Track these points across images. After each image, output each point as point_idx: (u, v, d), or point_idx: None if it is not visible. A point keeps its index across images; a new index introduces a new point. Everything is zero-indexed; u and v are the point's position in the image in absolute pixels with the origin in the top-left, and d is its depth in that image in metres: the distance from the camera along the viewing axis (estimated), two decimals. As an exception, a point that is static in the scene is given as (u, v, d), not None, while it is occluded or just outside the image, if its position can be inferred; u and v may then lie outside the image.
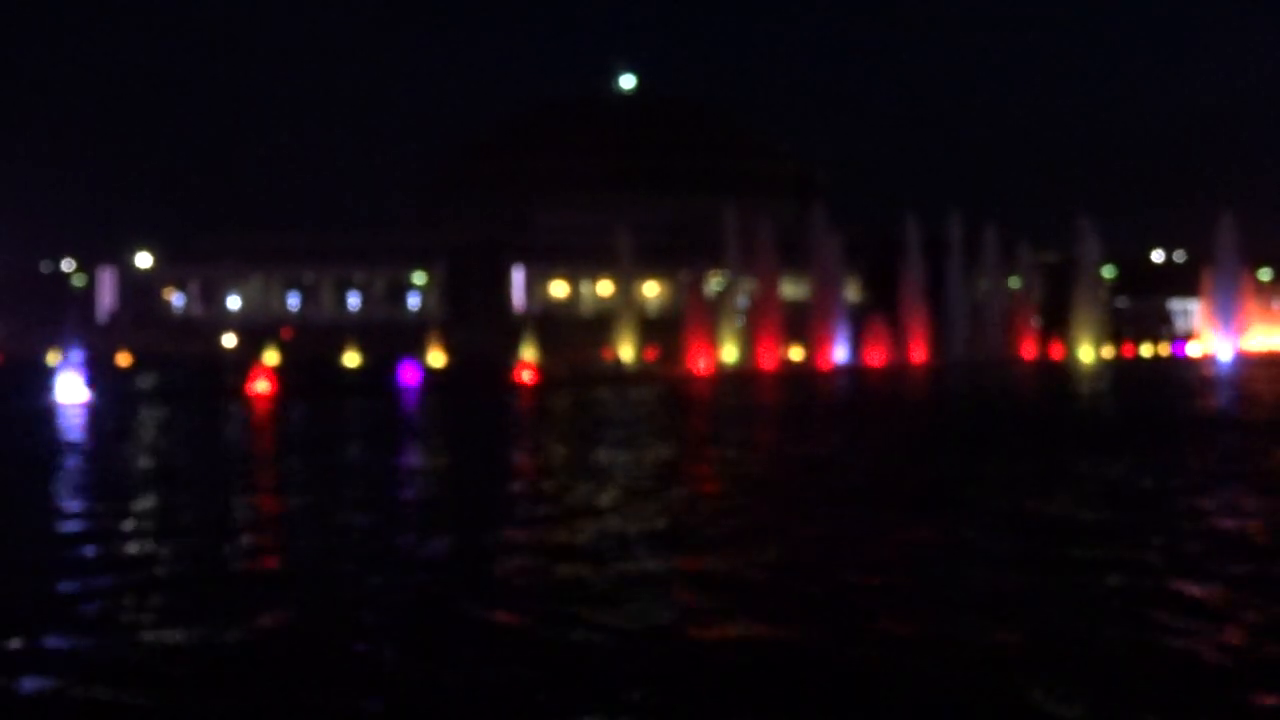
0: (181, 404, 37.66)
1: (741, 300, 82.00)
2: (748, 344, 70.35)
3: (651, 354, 76.99)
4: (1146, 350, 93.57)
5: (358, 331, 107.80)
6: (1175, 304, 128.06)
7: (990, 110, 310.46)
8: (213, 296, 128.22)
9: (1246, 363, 68.36)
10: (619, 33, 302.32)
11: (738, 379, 51.29)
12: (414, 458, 21.42)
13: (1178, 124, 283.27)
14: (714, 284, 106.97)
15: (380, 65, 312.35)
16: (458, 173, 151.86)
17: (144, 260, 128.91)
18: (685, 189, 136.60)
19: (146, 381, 53.71)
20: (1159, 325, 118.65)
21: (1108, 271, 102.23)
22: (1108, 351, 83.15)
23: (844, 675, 7.75)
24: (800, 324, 75.78)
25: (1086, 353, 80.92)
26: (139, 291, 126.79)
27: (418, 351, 68.68)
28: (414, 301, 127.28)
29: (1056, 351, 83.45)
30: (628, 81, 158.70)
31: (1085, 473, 18.15)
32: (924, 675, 7.76)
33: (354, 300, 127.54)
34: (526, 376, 48.43)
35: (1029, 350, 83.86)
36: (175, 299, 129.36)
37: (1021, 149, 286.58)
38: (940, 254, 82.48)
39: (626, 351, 79.29)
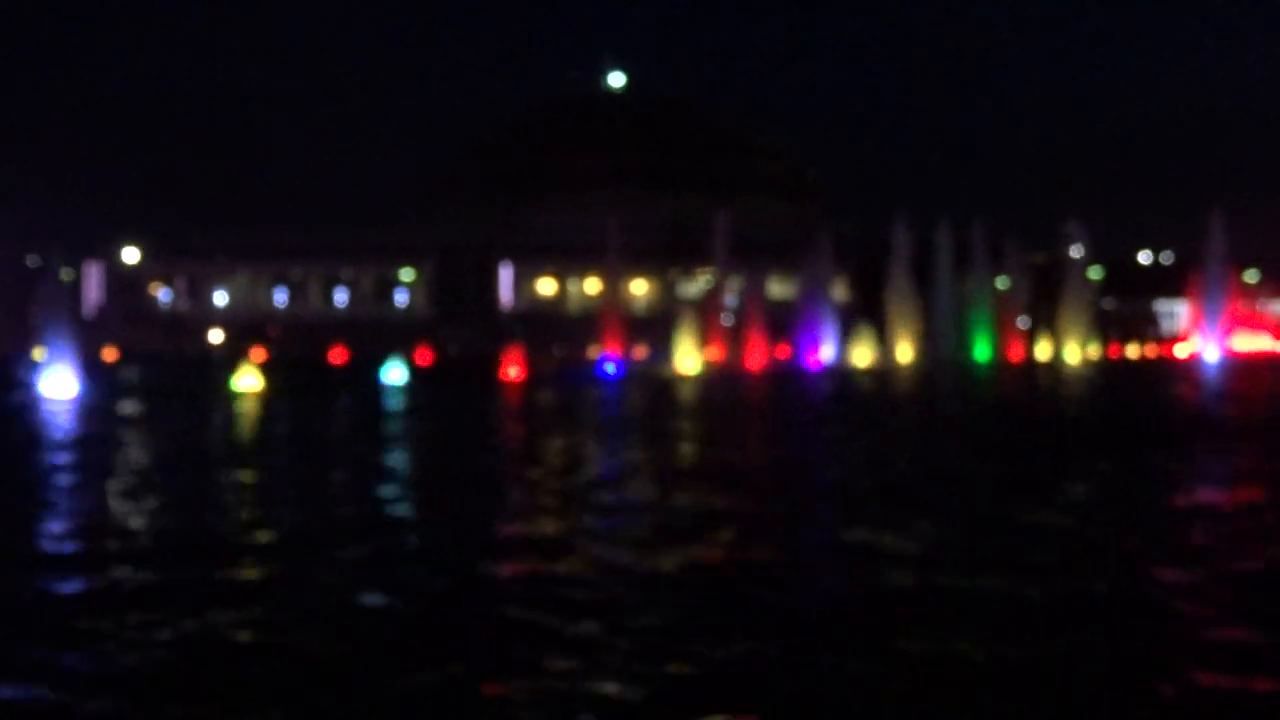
0: (167, 401, 37.57)
1: (730, 299, 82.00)
2: (736, 344, 70.38)
3: (639, 353, 76.93)
4: (1133, 351, 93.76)
5: (345, 328, 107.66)
6: (1162, 305, 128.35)
7: (979, 112, 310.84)
8: (200, 292, 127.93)
9: (1233, 364, 68.56)
10: (611, 32, 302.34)
11: (724, 379, 51.28)
12: (393, 459, 21.36)
13: (1165, 126, 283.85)
14: (702, 283, 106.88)
15: (372, 63, 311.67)
16: (449, 171, 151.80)
17: (131, 255, 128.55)
18: (676, 189, 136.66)
19: (133, 377, 53.58)
20: (1146, 327, 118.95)
21: (1095, 273, 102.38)
22: (1094, 352, 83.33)
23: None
24: (789, 324, 75.82)
25: (1073, 354, 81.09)
26: (125, 287, 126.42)
27: (405, 349, 68.49)
28: (401, 299, 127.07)
29: (1043, 352, 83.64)
30: (618, 80, 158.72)
31: (1055, 477, 18.18)
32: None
33: (341, 297, 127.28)
34: (513, 374, 48.42)
35: (1016, 351, 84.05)
36: (162, 294, 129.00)
37: (1010, 151, 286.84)
38: (928, 255, 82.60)
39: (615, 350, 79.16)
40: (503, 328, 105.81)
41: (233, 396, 36.92)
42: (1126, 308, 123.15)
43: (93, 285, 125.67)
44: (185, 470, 19.03)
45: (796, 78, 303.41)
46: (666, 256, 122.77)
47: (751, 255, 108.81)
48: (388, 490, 16.76)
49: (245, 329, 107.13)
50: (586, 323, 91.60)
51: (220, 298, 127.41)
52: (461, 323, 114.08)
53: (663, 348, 65.74)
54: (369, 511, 14.80)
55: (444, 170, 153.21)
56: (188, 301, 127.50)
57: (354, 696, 7.43)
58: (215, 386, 41.54)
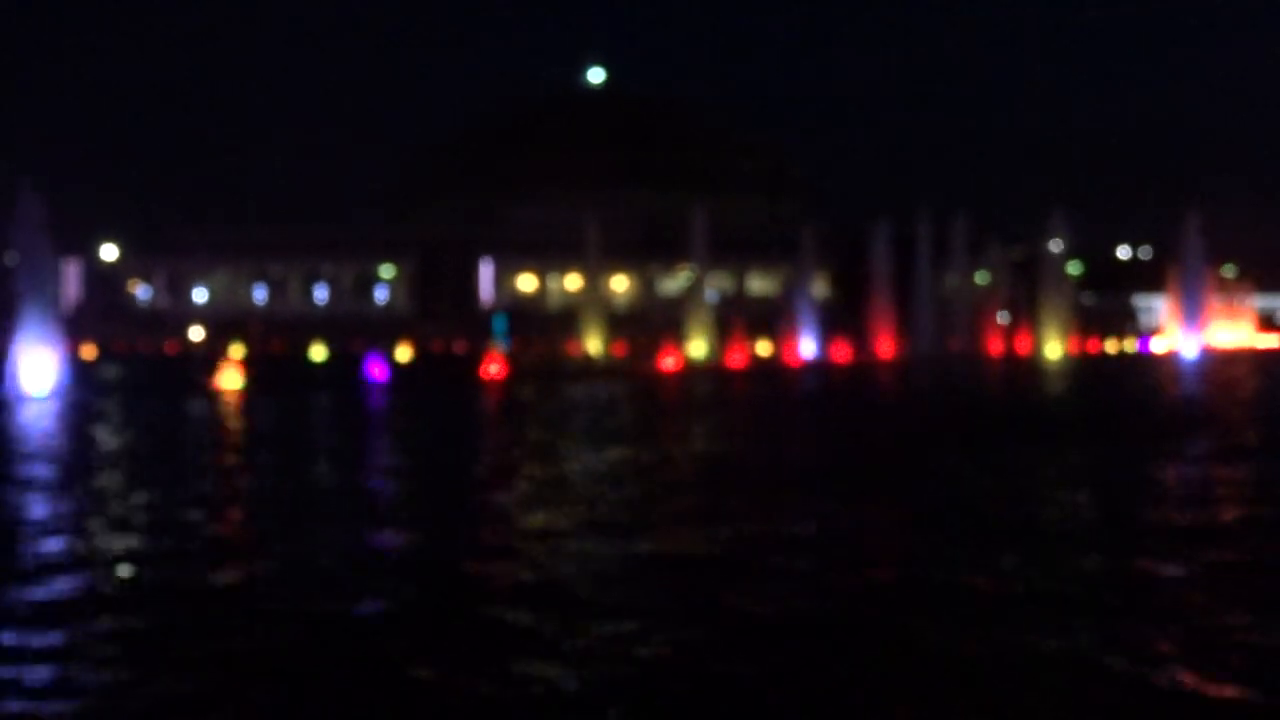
0: (146, 398, 37.41)
1: (711, 295, 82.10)
2: (716, 339, 70.47)
3: (619, 349, 76.94)
4: (1112, 346, 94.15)
5: (325, 325, 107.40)
6: (1141, 300, 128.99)
7: (960, 108, 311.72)
8: (179, 289, 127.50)
9: (1211, 359, 68.91)
10: (591, 29, 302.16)
11: (704, 374, 51.31)
12: (377, 459, 21.34)
13: (1144, 122, 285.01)
14: (682, 279, 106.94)
15: (354, 61, 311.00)
16: (430, 168, 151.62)
17: (109, 252, 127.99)
18: (657, 185, 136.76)
19: (111, 374, 53.35)
20: (1125, 321, 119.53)
21: (1074, 268, 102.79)
22: (1074, 347, 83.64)
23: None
24: (769, 319, 75.98)
25: (1053, 348, 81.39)
26: (104, 283, 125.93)
27: (385, 345, 68.40)
28: (382, 295, 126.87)
29: (1023, 347, 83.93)
30: (597, 76, 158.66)
31: (1024, 466, 18.26)
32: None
33: (321, 294, 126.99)
34: (494, 370, 48.35)
35: (995, 346, 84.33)
36: (140, 291, 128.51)
37: (990, 147, 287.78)
38: (909, 251, 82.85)
39: (594, 346, 79.21)
40: (483, 324, 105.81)
41: (212, 394, 36.80)
42: (1106, 302, 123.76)
43: (71, 282, 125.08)
44: (158, 467, 18.96)
45: (778, 74, 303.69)
46: (647, 252, 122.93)
47: (732, 251, 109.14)
48: (363, 486, 16.73)
49: (225, 326, 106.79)
50: (567, 318, 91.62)
51: (200, 295, 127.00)
52: (442, 319, 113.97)
53: (644, 343, 65.79)
54: (337, 510, 14.77)
55: (425, 167, 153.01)
56: (167, 298, 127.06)
57: (324, 699, 7.43)
58: (194, 384, 41.39)
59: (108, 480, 17.15)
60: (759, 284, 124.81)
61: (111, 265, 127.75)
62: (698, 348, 69.51)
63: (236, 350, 67.94)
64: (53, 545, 12.04)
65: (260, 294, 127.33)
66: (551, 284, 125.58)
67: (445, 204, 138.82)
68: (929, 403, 36.42)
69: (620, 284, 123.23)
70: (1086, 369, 58.59)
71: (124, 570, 10.97)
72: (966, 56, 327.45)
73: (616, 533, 12.66)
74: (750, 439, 24.06)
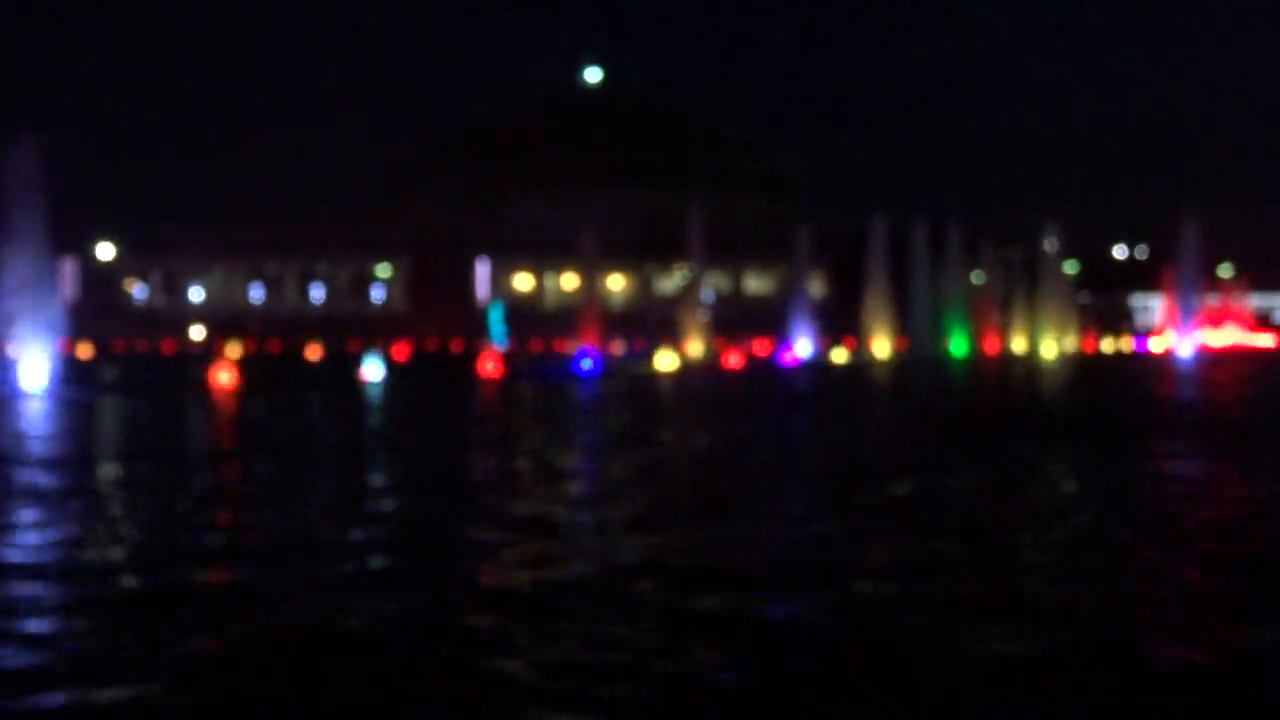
0: (143, 397, 37.36)
1: (707, 294, 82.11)
2: (713, 339, 70.47)
3: (616, 348, 76.91)
4: (1109, 345, 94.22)
5: (321, 324, 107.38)
6: (1137, 300, 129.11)
7: (959, 108, 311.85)
8: (175, 288, 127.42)
9: (1207, 358, 68.94)
10: (588, 28, 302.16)
11: (701, 374, 51.29)
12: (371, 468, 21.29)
13: (1141, 122, 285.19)
14: (678, 278, 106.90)
15: (353, 61, 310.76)
16: (426, 166, 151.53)
17: (106, 251, 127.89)
18: (653, 184, 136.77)
19: (108, 374, 53.30)
20: (1121, 321, 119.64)
21: (1070, 267, 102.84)
22: (1070, 346, 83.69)
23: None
24: (766, 319, 75.98)
25: (1049, 348, 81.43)
26: (100, 282, 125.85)
27: (381, 344, 68.37)
28: (378, 294, 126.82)
29: (1020, 346, 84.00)
30: (595, 76, 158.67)
31: (1009, 459, 18.26)
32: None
33: (317, 293, 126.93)
34: (490, 368, 48.33)
35: (992, 345, 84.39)
36: (137, 290, 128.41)
37: (987, 147, 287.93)
38: (906, 250, 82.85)
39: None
40: (479, 322, 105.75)
41: (208, 393, 36.75)
42: (1102, 302, 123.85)
43: (67, 281, 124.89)
44: (150, 470, 18.92)
45: (775, 74, 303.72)
46: (643, 251, 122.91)
47: (729, 251, 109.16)
48: (358, 491, 16.69)
49: (222, 324, 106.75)
50: (563, 317, 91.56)
51: (196, 294, 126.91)
52: (438, 317, 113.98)
53: (640, 343, 65.75)
54: (333, 515, 14.74)
55: (421, 165, 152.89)
56: (163, 297, 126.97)
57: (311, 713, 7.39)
58: (191, 383, 41.34)
59: (96, 476, 17.11)
60: (756, 283, 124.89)
61: (108, 264, 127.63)
62: (694, 347, 69.49)
63: (233, 349, 67.86)
64: (35, 539, 11.99)
65: (256, 293, 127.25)
66: (548, 283, 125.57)
67: (441, 202, 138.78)
68: (927, 403, 36.40)
69: (617, 283, 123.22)
70: (1084, 368, 58.60)
71: (108, 570, 10.92)
72: (966, 56, 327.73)
73: (614, 532, 12.63)
74: (749, 439, 24.03)
